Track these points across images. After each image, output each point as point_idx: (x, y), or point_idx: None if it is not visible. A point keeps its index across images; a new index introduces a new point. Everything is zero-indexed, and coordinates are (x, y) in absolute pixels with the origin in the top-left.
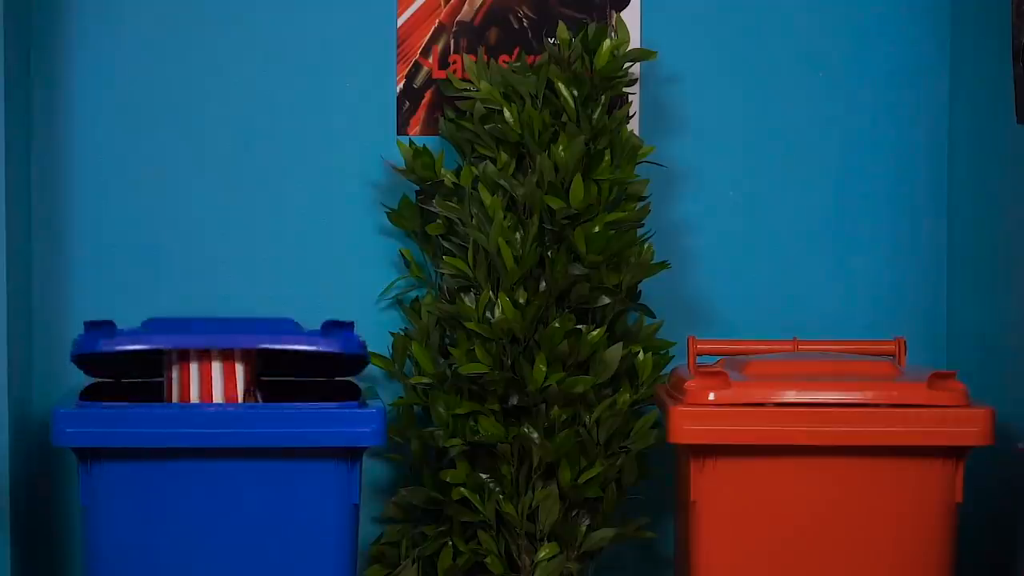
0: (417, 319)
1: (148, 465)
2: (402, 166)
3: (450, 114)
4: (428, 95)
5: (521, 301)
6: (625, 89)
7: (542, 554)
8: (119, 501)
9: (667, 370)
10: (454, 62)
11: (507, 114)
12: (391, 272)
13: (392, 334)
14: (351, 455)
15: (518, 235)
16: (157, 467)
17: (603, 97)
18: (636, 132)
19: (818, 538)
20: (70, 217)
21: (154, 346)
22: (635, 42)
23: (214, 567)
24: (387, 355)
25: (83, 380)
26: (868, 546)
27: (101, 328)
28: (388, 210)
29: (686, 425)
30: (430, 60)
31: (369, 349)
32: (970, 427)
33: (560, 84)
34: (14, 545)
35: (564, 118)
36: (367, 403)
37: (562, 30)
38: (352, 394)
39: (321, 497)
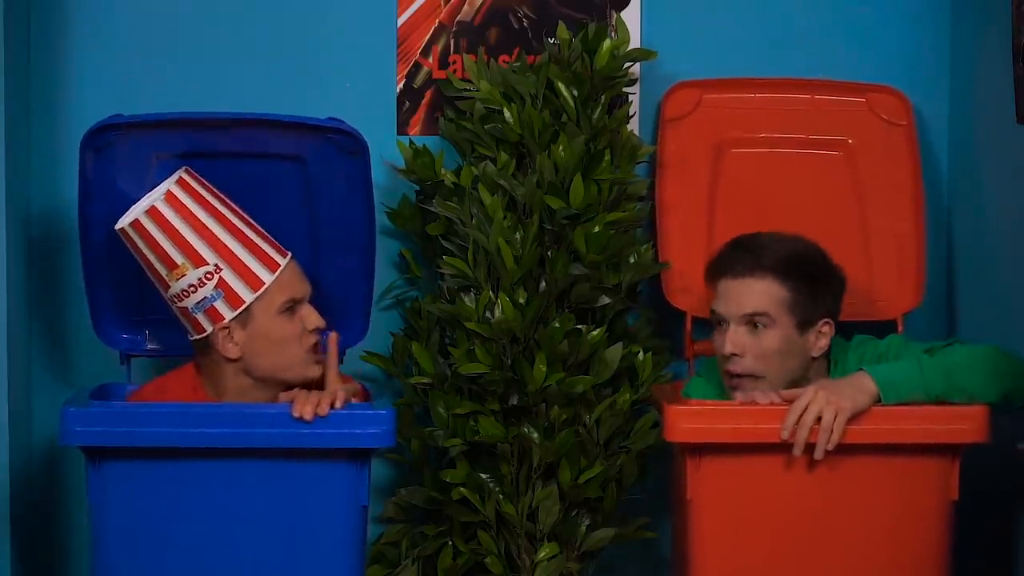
0: (417, 319)
1: (157, 464)
2: (402, 166)
3: (450, 114)
4: (428, 95)
5: (521, 301)
6: (625, 89)
7: (542, 554)
8: (128, 500)
9: (667, 370)
10: (454, 62)
11: (507, 114)
12: (391, 272)
13: (392, 334)
14: (360, 456)
15: (518, 235)
16: (167, 466)
17: (603, 97)
18: (636, 132)
19: (815, 536)
20: (69, 214)
21: None
22: (635, 42)
23: (222, 567)
24: (387, 355)
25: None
26: (864, 544)
27: None
28: (388, 210)
29: (682, 423)
30: (430, 60)
31: (369, 349)
32: (965, 424)
33: (560, 84)
34: (14, 547)
35: (564, 118)
36: (376, 404)
37: (562, 30)
38: (365, 395)
39: (330, 498)
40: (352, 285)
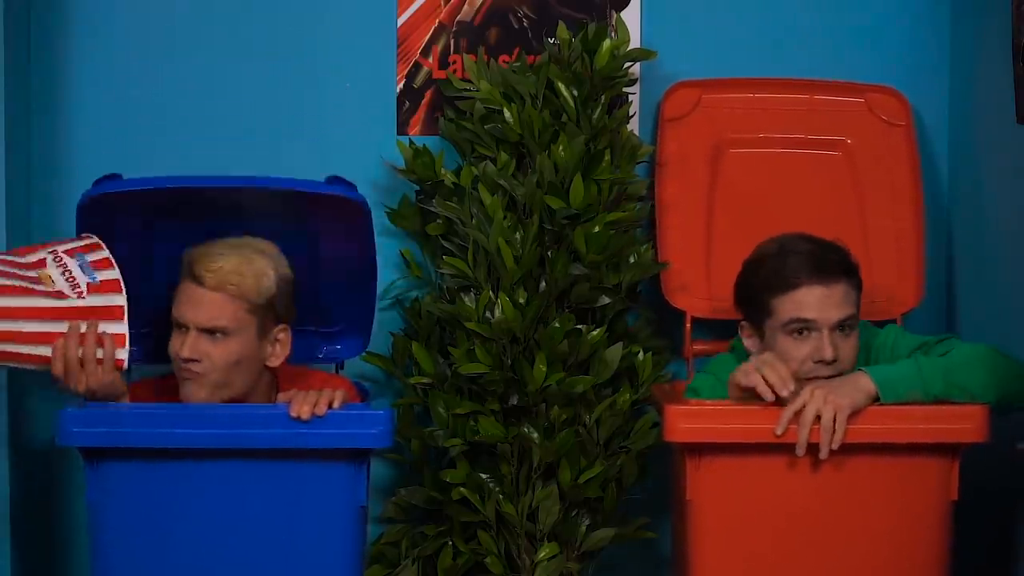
0: (417, 319)
1: (155, 465)
2: (402, 166)
3: (450, 114)
4: (428, 95)
5: (521, 301)
6: (625, 89)
7: (542, 554)
8: (126, 501)
9: (667, 370)
10: (454, 62)
11: (507, 114)
12: (391, 272)
13: (392, 334)
14: (358, 456)
15: (518, 235)
16: (164, 467)
17: (603, 97)
18: (636, 132)
19: (814, 536)
20: (69, 212)
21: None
22: (635, 42)
23: (220, 568)
24: (387, 355)
25: None
26: (863, 544)
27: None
28: (388, 210)
29: (681, 423)
30: (430, 60)
31: (369, 349)
32: (964, 423)
33: (560, 84)
34: (14, 547)
35: (564, 118)
36: (374, 404)
37: (562, 30)
38: (359, 394)
39: (328, 499)
40: (352, 312)
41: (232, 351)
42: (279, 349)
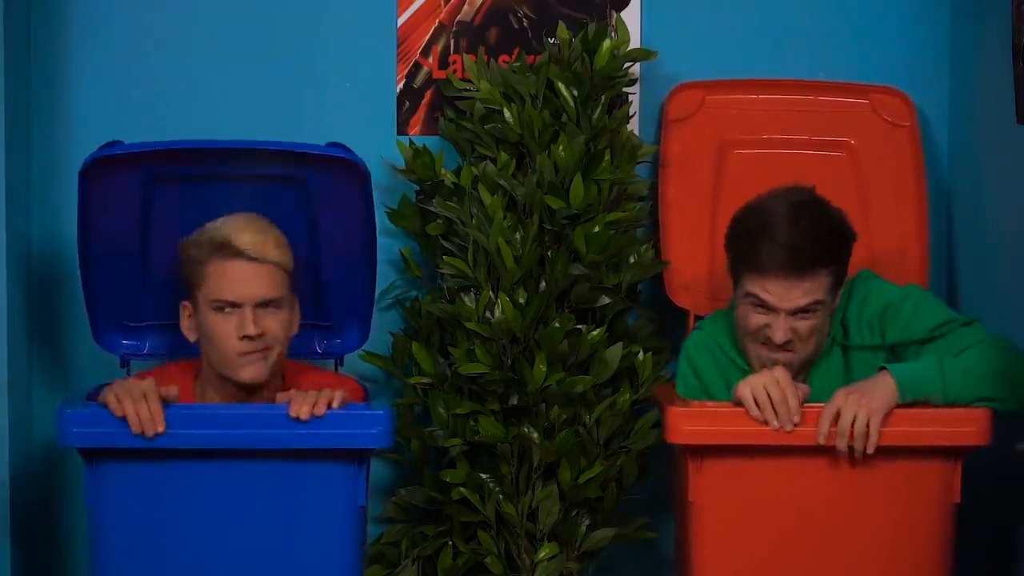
0: (417, 319)
1: (155, 465)
2: (402, 166)
3: (450, 114)
4: (428, 95)
5: (521, 301)
6: (625, 89)
7: (542, 554)
8: (124, 501)
9: (667, 370)
10: (454, 62)
11: (507, 114)
12: (391, 272)
13: (392, 334)
14: (358, 457)
15: (518, 235)
16: (164, 467)
17: (603, 97)
18: (636, 132)
19: (816, 539)
20: (69, 212)
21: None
22: (635, 42)
23: (220, 568)
24: (387, 355)
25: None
26: (865, 547)
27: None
28: (388, 210)
29: (683, 425)
30: (430, 60)
31: (369, 349)
32: (967, 427)
33: (560, 84)
34: (14, 547)
35: (564, 118)
36: (373, 404)
37: (562, 30)
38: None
39: (328, 499)
40: (351, 299)
41: (285, 322)
42: (297, 321)
